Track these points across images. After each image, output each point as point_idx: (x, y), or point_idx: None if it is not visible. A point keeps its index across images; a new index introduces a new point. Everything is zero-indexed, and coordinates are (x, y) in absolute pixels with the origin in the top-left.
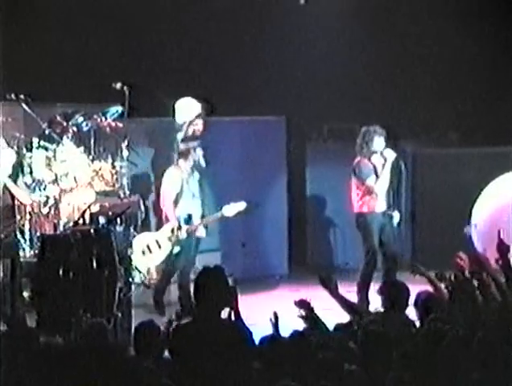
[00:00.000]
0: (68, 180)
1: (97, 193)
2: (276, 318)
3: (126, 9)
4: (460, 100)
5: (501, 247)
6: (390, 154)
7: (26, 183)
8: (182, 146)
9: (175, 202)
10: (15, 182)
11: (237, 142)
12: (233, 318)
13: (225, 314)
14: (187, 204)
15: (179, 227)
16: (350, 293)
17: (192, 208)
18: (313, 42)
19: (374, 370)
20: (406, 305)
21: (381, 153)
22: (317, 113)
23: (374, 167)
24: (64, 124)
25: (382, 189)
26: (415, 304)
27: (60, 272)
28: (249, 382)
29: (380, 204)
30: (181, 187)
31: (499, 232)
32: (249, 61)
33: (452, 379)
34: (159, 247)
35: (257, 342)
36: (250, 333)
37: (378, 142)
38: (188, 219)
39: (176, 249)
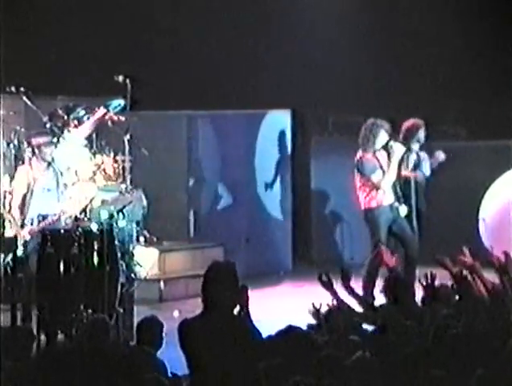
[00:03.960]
0: (70, 174)
1: (99, 187)
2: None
3: (129, 1)
4: (467, 93)
5: None
6: (399, 148)
7: None
8: (33, 142)
9: (24, 203)
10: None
11: (241, 136)
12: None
13: (235, 310)
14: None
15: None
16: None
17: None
18: (318, 35)
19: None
20: (410, 300)
21: (390, 148)
22: (322, 107)
23: (379, 162)
24: (65, 117)
25: (389, 183)
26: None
27: (61, 267)
28: (259, 378)
29: (387, 197)
30: (28, 187)
31: None
32: (254, 54)
33: (455, 374)
34: None
35: (264, 337)
36: (259, 331)
37: (383, 137)
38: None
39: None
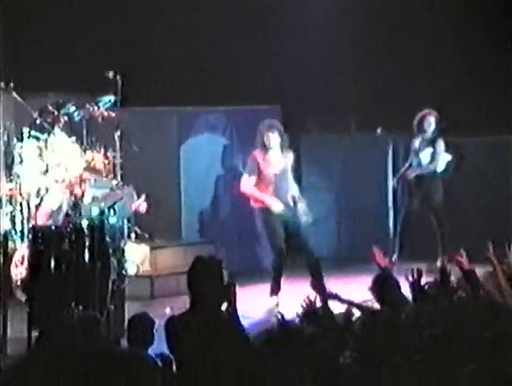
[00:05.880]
0: (60, 170)
1: (89, 184)
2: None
3: None
4: (456, 90)
5: None
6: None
7: (16, 174)
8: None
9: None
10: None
11: (231, 132)
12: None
13: (223, 307)
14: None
15: None
16: (348, 285)
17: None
18: (309, 32)
19: (370, 363)
20: (399, 300)
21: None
22: (312, 105)
23: (267, 162)
24: (56, 113)
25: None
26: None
27: (52, 264)
28: (249, 377)
29: (275, 201)
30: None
31: None
32: (245, 50)
33: (447, 369)
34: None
35: (253, 334)
36: (243, 329)
37: (277, 138)
38: None
39: None
